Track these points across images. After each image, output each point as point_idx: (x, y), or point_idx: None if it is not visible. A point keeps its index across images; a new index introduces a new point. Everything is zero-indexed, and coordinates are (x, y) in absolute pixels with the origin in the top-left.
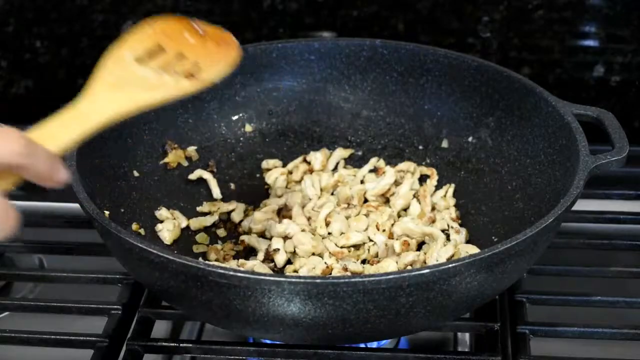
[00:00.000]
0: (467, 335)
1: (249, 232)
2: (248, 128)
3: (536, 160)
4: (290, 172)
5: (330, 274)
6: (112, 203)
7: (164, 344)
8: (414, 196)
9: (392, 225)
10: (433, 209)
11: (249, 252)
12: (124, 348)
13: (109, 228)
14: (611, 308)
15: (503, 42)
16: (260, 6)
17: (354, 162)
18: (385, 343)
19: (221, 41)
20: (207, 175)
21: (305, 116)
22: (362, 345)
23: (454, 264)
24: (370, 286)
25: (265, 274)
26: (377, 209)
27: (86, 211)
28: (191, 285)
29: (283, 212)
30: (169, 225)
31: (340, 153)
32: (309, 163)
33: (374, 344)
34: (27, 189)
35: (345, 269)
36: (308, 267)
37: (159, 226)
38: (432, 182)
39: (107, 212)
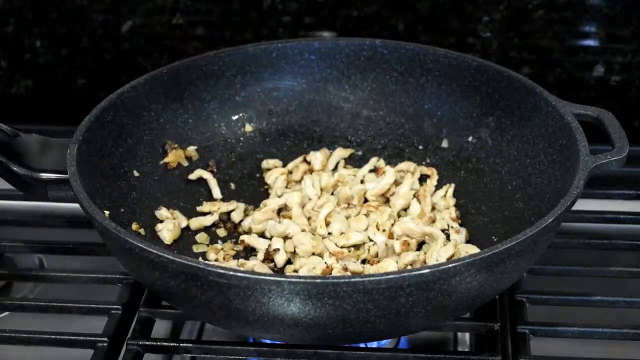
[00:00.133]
0: (467, 335)
1: (249, 232)
2: (248, 128)
3: (536, 160)
4: (290, 172)
5: (330, 274)
6: (112, 203)
7: (164, 344)
8: (414, 196)
9: (392, 225)
10: (433, 208)
11: (249, 252)
12: (124, 348)
13: (109, 228)
14: (611, 308)
15: (503, 42)
16: (260, 6)
17: (354, 162)
18: (385, 343)
19: None
20: (207, 175)
21: (305, 116)
22: (362, 345)
23: (454, 264)
24: (370, 286)
25: (265, 274)
26: (377, 209)
27: (86, 211)
28: (191, 285)
29: (283, 212)
30: (169, 225)
31: (340, 153)
32: (309, 163)
33: (374, 344)
34: (27, 189)
35: (345, 269)
36: (308, 267)
37: (159, 226)
38: (432, 182)
39: (107, 212)
